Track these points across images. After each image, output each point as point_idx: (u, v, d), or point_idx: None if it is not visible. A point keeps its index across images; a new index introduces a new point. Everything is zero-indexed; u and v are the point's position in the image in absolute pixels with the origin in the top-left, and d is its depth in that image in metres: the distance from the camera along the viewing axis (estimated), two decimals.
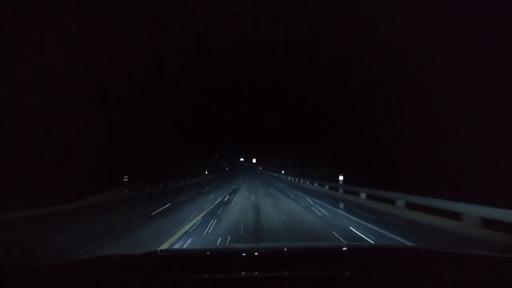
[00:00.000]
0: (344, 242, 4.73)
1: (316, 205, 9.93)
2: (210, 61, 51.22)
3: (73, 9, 15.22)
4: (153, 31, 24.45)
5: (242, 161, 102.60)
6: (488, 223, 5.41)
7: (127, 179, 14.95)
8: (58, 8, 14.36)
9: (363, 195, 11.74)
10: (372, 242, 4.74)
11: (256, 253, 1.63)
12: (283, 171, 40.61)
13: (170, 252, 2.31)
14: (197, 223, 6.49)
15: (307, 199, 12.16)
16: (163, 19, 24.86)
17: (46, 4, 14.08)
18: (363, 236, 5.21)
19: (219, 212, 8.20)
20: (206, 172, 40.42)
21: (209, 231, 5.65)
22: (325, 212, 8.28)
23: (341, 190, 14.68)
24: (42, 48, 13.60)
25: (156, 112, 27.49)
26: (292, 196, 13.56)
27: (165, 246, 4.46)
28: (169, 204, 10.00)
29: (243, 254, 1.60)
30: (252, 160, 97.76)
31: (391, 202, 9.17)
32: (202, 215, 7.64)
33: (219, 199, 11.71)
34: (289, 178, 32.41)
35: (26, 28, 13.34)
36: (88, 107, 16.20)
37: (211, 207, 9.44)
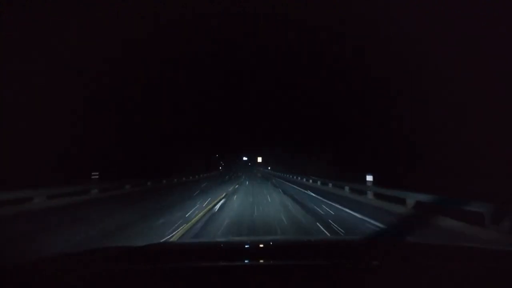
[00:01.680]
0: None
1: None
2: (212, 60, 51.76)
3: (73, 10, 15.83)
4: (154, 31, 25.00)
5: (245, 160, 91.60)
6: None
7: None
8: (58, 9, 14.87)
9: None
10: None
11: (261, 245, 1.68)
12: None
13: (171, 244, 2.38)
14: None
15: None
16: (163, 19, 25.79)
17: (46, 5, 14.62)
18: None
19: None
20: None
21: None
22: None
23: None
24: (41, 49, 14.25)
25: (155, 111, 28.30)
26: None
27: None
28: None
29: (246, 246, 1.64)
30: (257, 159, 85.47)
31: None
32: None
33: None
34: None
35: (25, 28, 13.76)
36: (87, 107, 17.02)
37: None
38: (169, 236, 4.60)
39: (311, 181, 21.01)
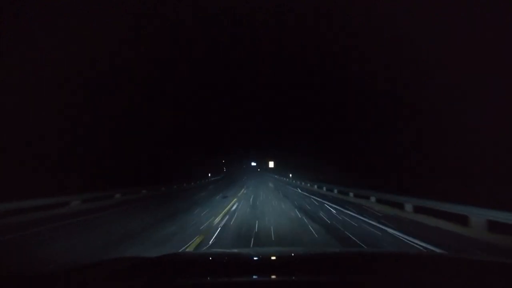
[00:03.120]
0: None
1: None
2: (218, 59, 52.21)
3: (71, 9, 16.37)
4: (154, 30, 25.73)
5: (253, 165, 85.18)
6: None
7: None
8: (56, 9, 15.32)
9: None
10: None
11: (273, 257, 1.66)
12: None
13: (185, 254, 2.39)
14: None
15: None
16: (163, 18, 26.17)
17: (44, 5, 15.01)
18: None
19: None
20: None
21: None
22: None
23: None
24: (43, 48, 14.72)
25: (158, 114, 28.67)
26: None
27: None
28: None
29: (260, 258, 1.63)
30: (268, 164, 74.11)
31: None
32: None
33: None
34: None
35: (26, 30, 14.12)
36: (87, 109, 17.54)
37: None
38: None
39: None
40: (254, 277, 1.16)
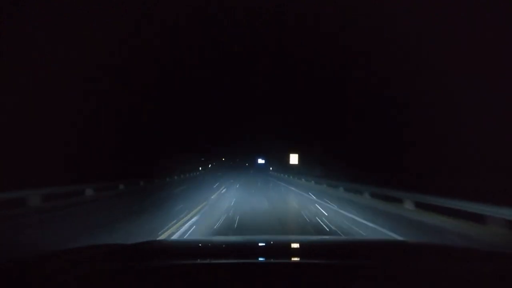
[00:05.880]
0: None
1: None
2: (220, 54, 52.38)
3: (77, 8, 17.41)
4: (154, 31, 26.84)
5: (260, 163, 74.97)
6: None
7: None
8: (58, 11, 15.99)
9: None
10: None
11: (259, 243, 1.74)
12: None
13: (164, 242, 2.40)
14: None
15: None
16: (163, 18, 26.98)
17: (49, 8, 15.72)
18: None
19: None
20: None
21: None
22: None
23: None
24: (44, 48, 15.45)
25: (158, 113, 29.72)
26: None
27: None
28: None
29: (241, 243, 1.72)
30: (287, 160, 44.38)
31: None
32: None
33: None
34: None
35: (26, 30, 14.65)
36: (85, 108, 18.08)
37: None
38: None
39: None
40: (238, 260, 1.18)
